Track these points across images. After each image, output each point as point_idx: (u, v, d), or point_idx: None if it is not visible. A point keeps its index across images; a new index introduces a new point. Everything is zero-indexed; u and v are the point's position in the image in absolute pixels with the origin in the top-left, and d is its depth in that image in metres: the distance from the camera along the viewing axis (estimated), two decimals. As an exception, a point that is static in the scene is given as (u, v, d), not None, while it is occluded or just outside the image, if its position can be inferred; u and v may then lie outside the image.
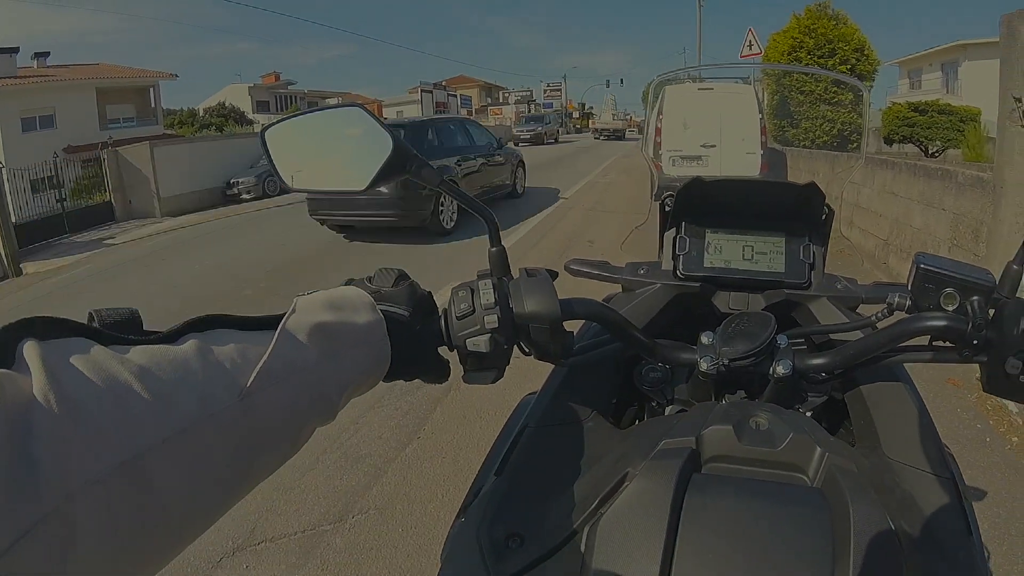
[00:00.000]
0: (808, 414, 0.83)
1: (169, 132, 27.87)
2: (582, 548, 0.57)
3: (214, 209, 13.09)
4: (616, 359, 0.84)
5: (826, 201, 0.91)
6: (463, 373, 0.68)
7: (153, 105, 27.96)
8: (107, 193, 12.73)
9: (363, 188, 0.68)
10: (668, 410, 0.87)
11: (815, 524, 0.52)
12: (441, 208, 7.93)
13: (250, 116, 36.82)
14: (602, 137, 39.40)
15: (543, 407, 0.80)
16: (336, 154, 0.71)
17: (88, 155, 13.19)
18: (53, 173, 12.20)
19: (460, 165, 9.06)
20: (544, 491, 0.67)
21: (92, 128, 22.63)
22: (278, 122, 0.73)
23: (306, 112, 0.74)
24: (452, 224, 8.27)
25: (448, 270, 5.97)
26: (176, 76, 29.17)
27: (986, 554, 1.91)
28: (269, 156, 0.72)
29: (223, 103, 38.15)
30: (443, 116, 13.79)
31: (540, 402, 0.82)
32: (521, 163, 11.56)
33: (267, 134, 0.73)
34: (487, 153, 10.09)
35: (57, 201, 11.81)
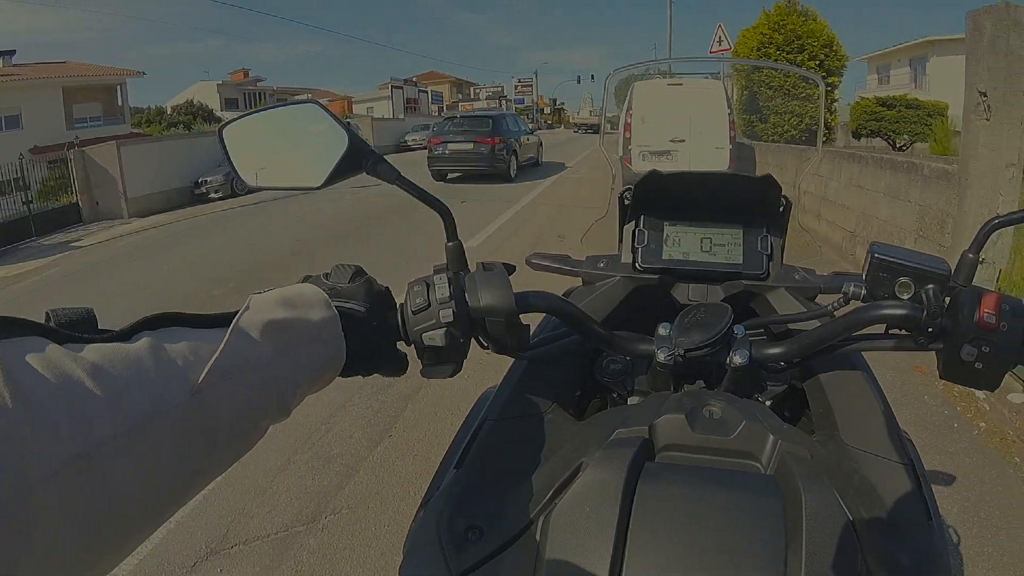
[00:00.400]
0: (768, 403, 0.84)
1: (136, 131, 27.33)
2: (537, 538, 0.58)
3: (182, 209, 12.85)
4: (577, 351, 0.84)
5: (783, 193, 0.92)
6: (421, 367, 0.68)
7: (120, 104, 27.35)
8: (74, 194, 12.43)
9: (319, 185, 0.68)
10: (630, 401, 0.88)
11: (767, 510, 0.53)
12: (509, 164, 13.61)
13: (218, 114, 36.19)
14: (580, 131, 43.22)
15: (502, 400, 0.80)
16: (293, 151, 0.71)
17: (55, 156, 12.89)
18: (19, 175, 11.90)
19: (518, 141, 14.53)
20: (503, 483, 0.67)
21: (59, 128, 22.07)
22: (236, 119, 0.73)
23: (263, 109, 0.73)
24: (515, 173, 13.81)
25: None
26: (143, 74, 28.62)
27: (956, 538, 1.95)
28: (227, 153, 0.71)
29: (191, 101, 37.50)
30: (504, 112, 18.70)
31: (499, 396, 0.82)
32: (541, 143, 17.30)
33: (225, 131, 0.72)
34: (528, 135, 16.10)
35: (24, 203, 11.49)
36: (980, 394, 3.13)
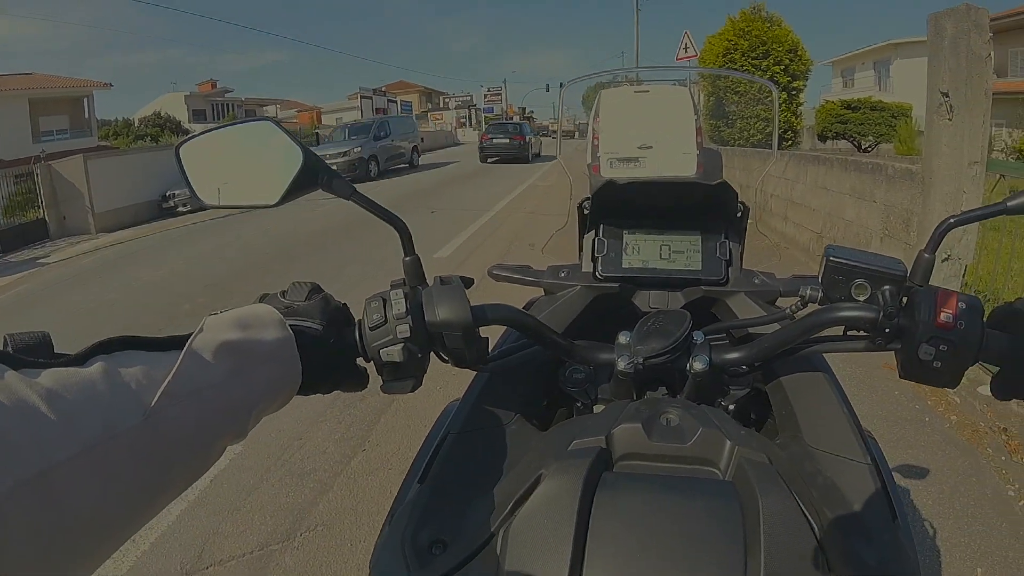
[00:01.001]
0: (731, 407, 0.85)
1: (104, 144, 26.78)
2: (498, 551, 0.58)
3: (150, 223, 12.63)
4: (539, 362, 0.84)
5: (741, 199, 0.93)
6: (381, 383, 0.68)
7: (87, 116, 26.80)
8: (41, 209, 12.12)
9: (275, 203, 0.67)
10: (595, 409, 0.88)
11: (725, 517, 0.53)
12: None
13: (186, 126, 35.72)
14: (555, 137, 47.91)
15: (464, 414, 0.81)
16: (249, 169, 0.70)
17: (21, 169, 12.54)
18: (-16, 190, 11.60)
19: (529, 139, 22.14)
20: (466, 496, 0.67)
21: (25, 141, 21.50)
22: (192, 137, 0.72)
23: (218, 127, 0.73)
24: (534, 157, 22.35)
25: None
26: (111, 85, 28.08)
27: (931, 531, 1.97)
28: (184, 173, 0.70)
29: (159, 112, 36.93)
30: (513, 121, 26.12)
31: (462, 409, 0.82)
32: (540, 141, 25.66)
33: (182, 150, 0.71)
34: (530, 134, 23.67)
35: (-11, 219, 11.22)
36: (949, 388, 3.19)
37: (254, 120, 0.70)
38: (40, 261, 9.51)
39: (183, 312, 5.68)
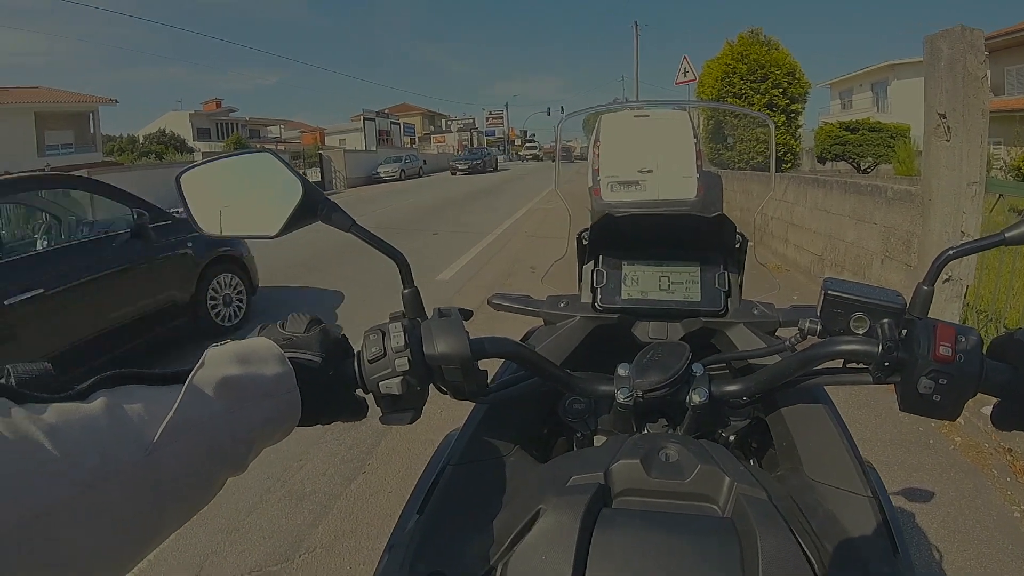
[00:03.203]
0: (732, 437, 0.85)
1: (108, 159, 26.93)
2: None
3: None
4: (539, 393, 0.84)
5: (739, 231, 0.94)
6: (380, 415, 0.68)
7: (92, 131, 27.02)
8: (43, 224, 12.18)
9: (275, 234, 0.68)
10: (595, 440, 0.88)
11: (723, 554, 0.53)
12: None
13: (190, 144, 35.99)
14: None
15: (463, 445, 0.81)
16: (249, 199, 0.71)
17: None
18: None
19: (488, 158, 33.18)
20: (464, 528, 0.67)
21: (30, 154, 21.72)
22: (193, 167, 0.73)
23: (219, 157, 0.73)
24: (504, 169, 33.98)
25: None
26: (116, 101, 28.25)
27: (938, 556, 1.95)
28: (185, 201, 0.71)
29: (163, 130, 37.23)
30: (480, 148, 26.53)
31: (460, 440, 0.82)
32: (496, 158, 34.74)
33: (183, 179, 0.71)
34: (488, 155, 35.39)
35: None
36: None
37: (254, 152, 0.71)
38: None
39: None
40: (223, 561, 2.35)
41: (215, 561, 2.35)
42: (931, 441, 3.05)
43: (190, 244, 4.87)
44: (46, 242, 4.27)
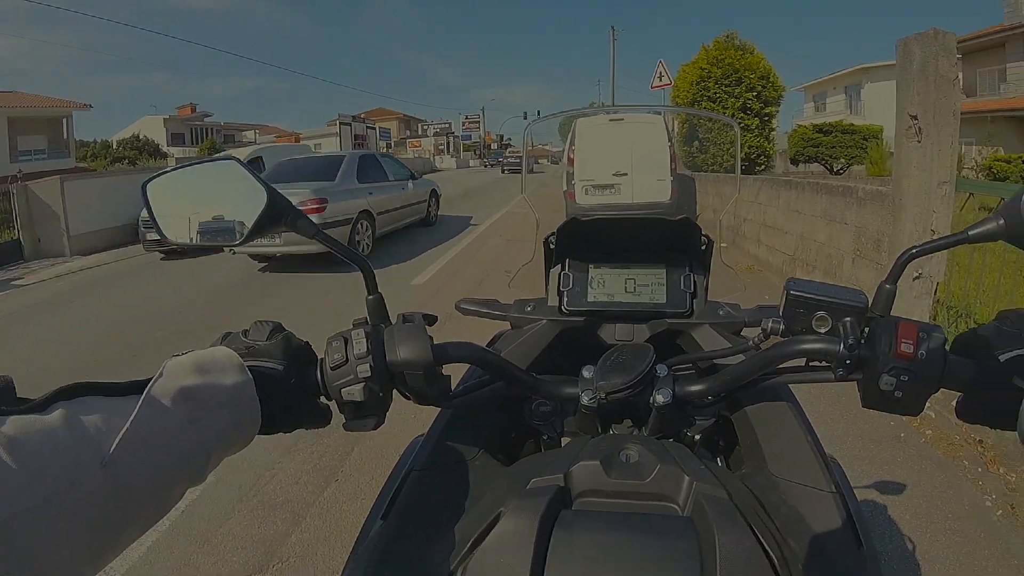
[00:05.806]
0: (697, 437, 0.86)
1: (81, 165, 26.43)
2: None
3: (126, 247, 12.43)
4: (504, 397, 0.84)
5: (704, 232, 0.94)
6: (343, 421, 0.68)
7: (66, 137, 26.45)
8: (16, 230, 11.90)
9: (240, 242, 0.68)
10: (562, 442, 0.88)
11: (682, 554, 0.53)
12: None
13: (165, 149, 35.47)
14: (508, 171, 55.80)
15: (428, 450, 0.81)
16: (214, 207, 0.70)
17: (-2, 189, 12.29)
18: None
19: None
20: (428, 534, 0.67)
21: (2, 160, 21.21)
22: (159, 175, 0.72)
23: (185, 165, 0.73)
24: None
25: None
26: (90, 106, 27.60)
27: (911, 545, 1.98)
28: (150, 209, 0.71)
29: (137, 135, 36.55)
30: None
31: (425, 445, 0.82)
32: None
33: (149, 187, 0.71)
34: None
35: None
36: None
37: (220, 159, 0.71)
38: (15, 283, 9.31)
39: (156, 340, 5.58)
40: (195, 572, 2.32)
41: (188, 572, 2.32)
42: (902, 435, 3.11)
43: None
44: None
